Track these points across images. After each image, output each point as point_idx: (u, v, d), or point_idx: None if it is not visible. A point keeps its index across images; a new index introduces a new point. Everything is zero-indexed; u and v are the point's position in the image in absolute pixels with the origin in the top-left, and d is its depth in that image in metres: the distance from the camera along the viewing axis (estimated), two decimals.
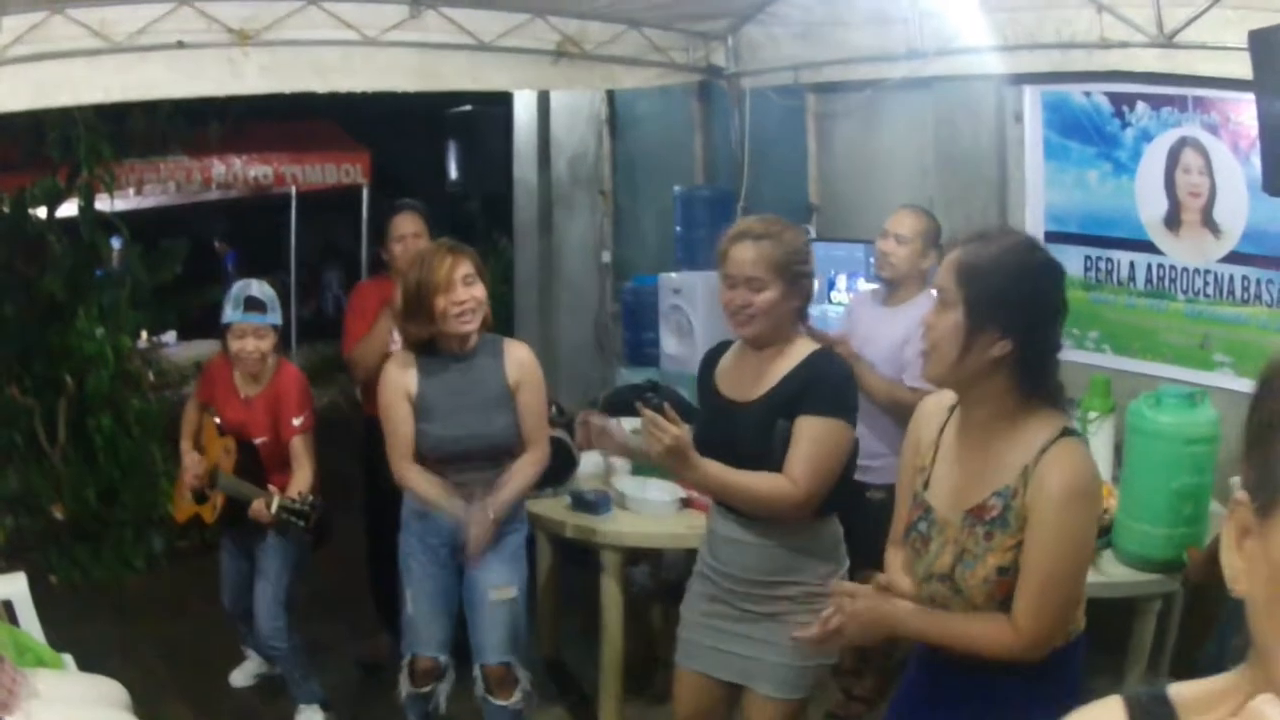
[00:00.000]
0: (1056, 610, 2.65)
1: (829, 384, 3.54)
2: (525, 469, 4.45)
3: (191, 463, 5.15)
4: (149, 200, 11.86)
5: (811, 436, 3.45)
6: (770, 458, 3.46)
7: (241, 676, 5.79)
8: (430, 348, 4.44)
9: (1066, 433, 2.66)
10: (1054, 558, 2.60)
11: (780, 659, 3.65)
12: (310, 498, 4.59)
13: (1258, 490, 1.20)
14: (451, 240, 4.54)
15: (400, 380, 4.43)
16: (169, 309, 8.60)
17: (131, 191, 10.93)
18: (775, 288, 3.50)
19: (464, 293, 4.30)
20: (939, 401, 2.96)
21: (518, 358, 4.51)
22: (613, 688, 5.18)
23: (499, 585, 4.46)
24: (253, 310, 4.94)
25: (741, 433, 3.55)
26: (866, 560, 3.53)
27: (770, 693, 3.71)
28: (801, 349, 3.62)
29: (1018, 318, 2.63)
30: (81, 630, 5.79)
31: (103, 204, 7.77)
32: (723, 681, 3.83)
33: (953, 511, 2.78)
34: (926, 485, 2.89)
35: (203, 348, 10.45)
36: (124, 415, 7.43)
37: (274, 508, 4.46)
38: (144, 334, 8.61)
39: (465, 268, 4.33)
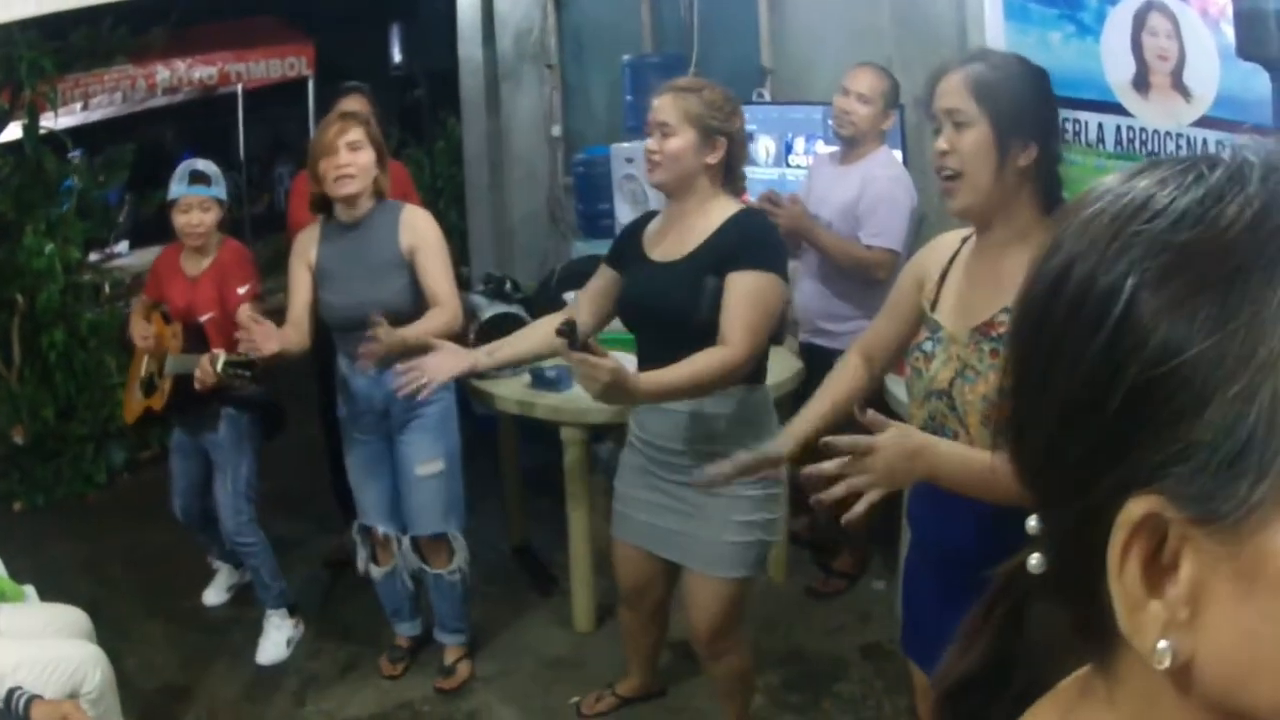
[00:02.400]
0: None
1: (757, 238, 3.49)
2: (430, 319, 4.33)
3: (141, 330, 5.11)
4: (96, 113, 11.66)
5: (744, 290, 3.38)
6: (698, 314, 3.39)
7: (214, 593, 5.70)
8: (332, 216, 4.48)
9: None
10: None
11: (715, 534, 3.61)
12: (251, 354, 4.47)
13: (1205, 484, 0.70)
14: (364, 104, 4.72)
15: (303, 248, 4.53)
16: (118, 218, 8.50)
17: (78, 107, 10.73)
18: (684, 136, 3.46)
19: (345, 157, 4.32)
20: (949, 237, 2.92)
21: (411, 223, 4.47)
22: (581, 569, 5.11)
23: (425, 460, 4.54)
24: (197, 183, 4.87)
25: (669, 291, 3.47)
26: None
27: (705, 571, 3.67)
28: (726, 208, 3.55)
29: (1039, 121, 2.64)
30: (46, 552, 5.73)
31: (49, 122, 7.57)
32: (657, 555, 3.82)
33: (960, 328, 2.73)
34: (934, 306, 2.82)
35: (154, 254, 10.34)
36: (77, 329, 7.30)
37: (219, 365, 4.33)
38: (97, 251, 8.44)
39: (352, 134, 4.35)
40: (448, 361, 3.66)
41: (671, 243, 3.58)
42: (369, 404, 4.58)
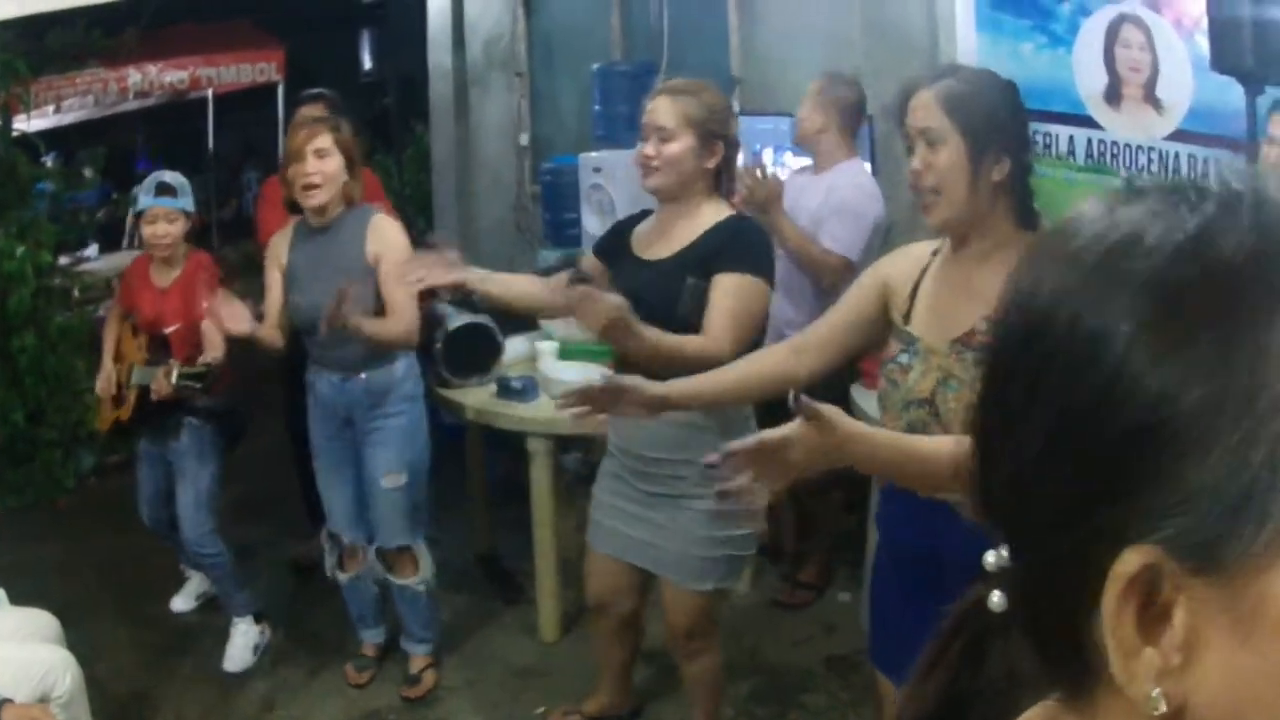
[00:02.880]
0: None
1: (747, 242, 3.50)
2: (386, 324, 4.39)
3: (106, 372, 5.08)
4: (68, 117, 11.66)
5: (729, 292, 3.39)
6: (676, 314, 3.39)
7: (183, 601, 5.69)
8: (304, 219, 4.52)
9: None
10: None
11: (684, 548, 3.64)
12: (208, 361, 4.53)
13: (1205, 533, 0.68)
14: (326, 113, 4.72)
15: (276, 250, 4.59)
16: (89, 222, 8.48)
17: (50, 110, 10.76)
18: (683, 141, 3.46)
19: (312, 165, 4.34)
20: (917, 249, 2.92)
21: (379, 230, 4.48)
22: (547, 579, 5.13)
23: (389, 471, 4.55)
24: (164, 194, 4.88)
25: (649, 289, 3.45)
26: None
27: (676, 582, 3.70)
28: (717, 212, 3.56)
29: (1010, 134, 2.67)
30: (15, 556, 5.71)
31: (22, 124, 7.58)
32: (631, 565, 3.84)
33: (938, 340, 2.73)
34: (907, 319, 2.82)
35: (126, 259, 10.32)
36: (47, 332, 7.28)
37: (173, 377, 4.40)
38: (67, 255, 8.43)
39: (320, 141, 4.36)
40: (440, 266, 3.64)
41: (660, 243, 3.59)
42: (333, 411, 4.61)
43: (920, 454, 2.56)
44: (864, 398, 4.77)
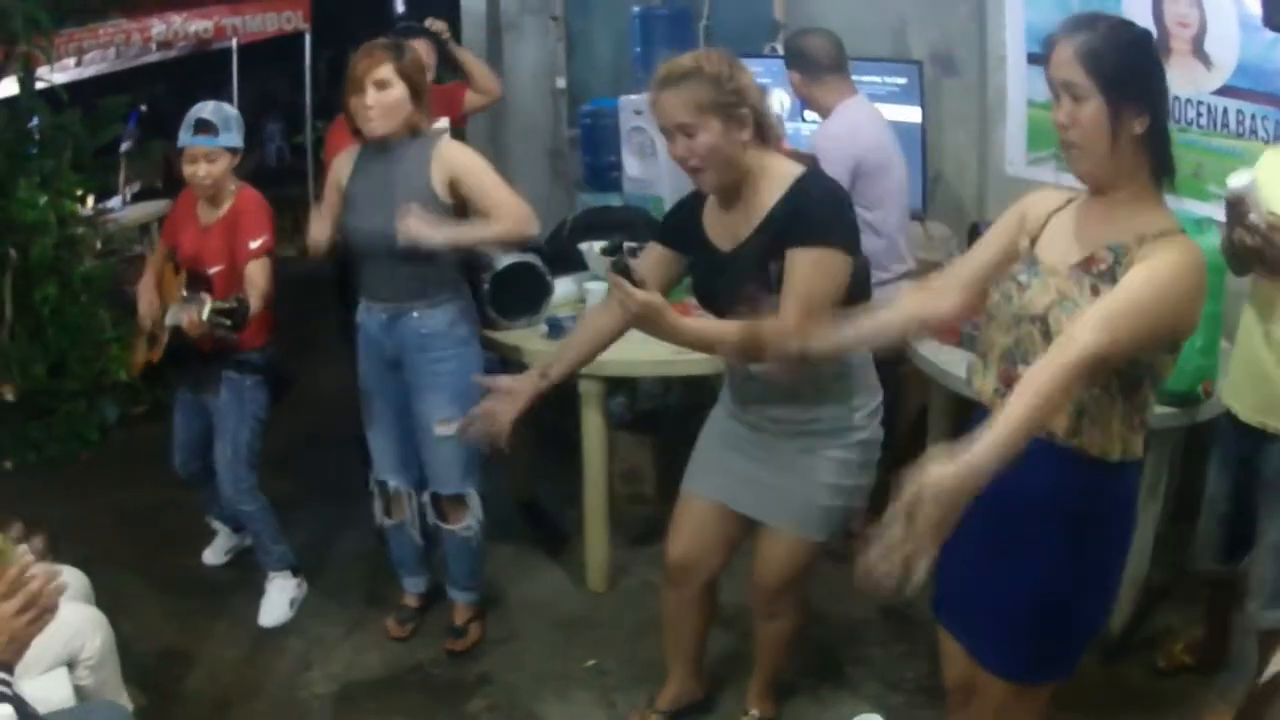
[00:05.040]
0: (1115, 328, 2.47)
1: (812, 209, 3.25)
2: (488, 227, 4.23)
3: (147, 301, 4.89)
4: (89, 69, 11.53)
5: (798, 267, 3.19)
6: (769, 304, 3.18)
7: (213, 554, 5.53)
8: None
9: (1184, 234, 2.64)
10: (1137, 294, 2.50)
11: (806, 495, 3.47)
12: (240, 297, 4.31)
13: None
14: (389, 40, 4.41)
15: (337, 171, 4.49)
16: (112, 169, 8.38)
17: (72, 62, 10.57)
18: (710, 128, 3.20)
19: (371, 96, 4.20)
20: (1054, 194, 2.91)
21: (444, 156, 4.30)
22: (597, 527, 4.98)
23: (442, 419, 4.37)
24: (202, 132, 4.63)
25: (737, 283, 3.25)
26: None
27: (786, 528, 3.53)
28: (782, 175, 3.32)
29: (1149, 87, 2.63)
30: (38, 512, 5.54)
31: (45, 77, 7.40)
32: (732, 514, 3.64)
33: (1060, 263, 2.73)
34: (1034, 244, 2.83)
35: (150, 208, 10.23)
36: (70, 283, 7.14)
37: (204, 312, 4.18)
38: (89, 200, 8.30)
39: (381, 71, 4.21)
40: (506, 402, 3.50)
41: (731, 227, 3.37)
42: (380, 352, 4.46)
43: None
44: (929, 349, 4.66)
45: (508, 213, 4.19)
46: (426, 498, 4.62)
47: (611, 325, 3.51)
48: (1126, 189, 2.67)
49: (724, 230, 3.40)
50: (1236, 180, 3.31)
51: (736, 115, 3.22)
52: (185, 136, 4.65)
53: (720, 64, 3.24)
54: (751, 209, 3.31)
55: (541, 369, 3.56)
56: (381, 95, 4.19)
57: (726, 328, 3.21)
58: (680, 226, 3.55)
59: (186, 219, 4.84)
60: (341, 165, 4.44)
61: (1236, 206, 3.33)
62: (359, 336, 4.54)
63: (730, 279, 3.31)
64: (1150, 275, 2.50)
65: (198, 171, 4.63)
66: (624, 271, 3.04)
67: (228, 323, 4.18)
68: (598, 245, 5.21)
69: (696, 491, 3.72)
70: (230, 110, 4.75)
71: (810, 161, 3.61)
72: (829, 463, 3.43)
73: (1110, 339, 2.42)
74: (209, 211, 4.76)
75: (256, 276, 4.58)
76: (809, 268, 3.18)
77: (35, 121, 7.14)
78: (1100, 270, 2.63)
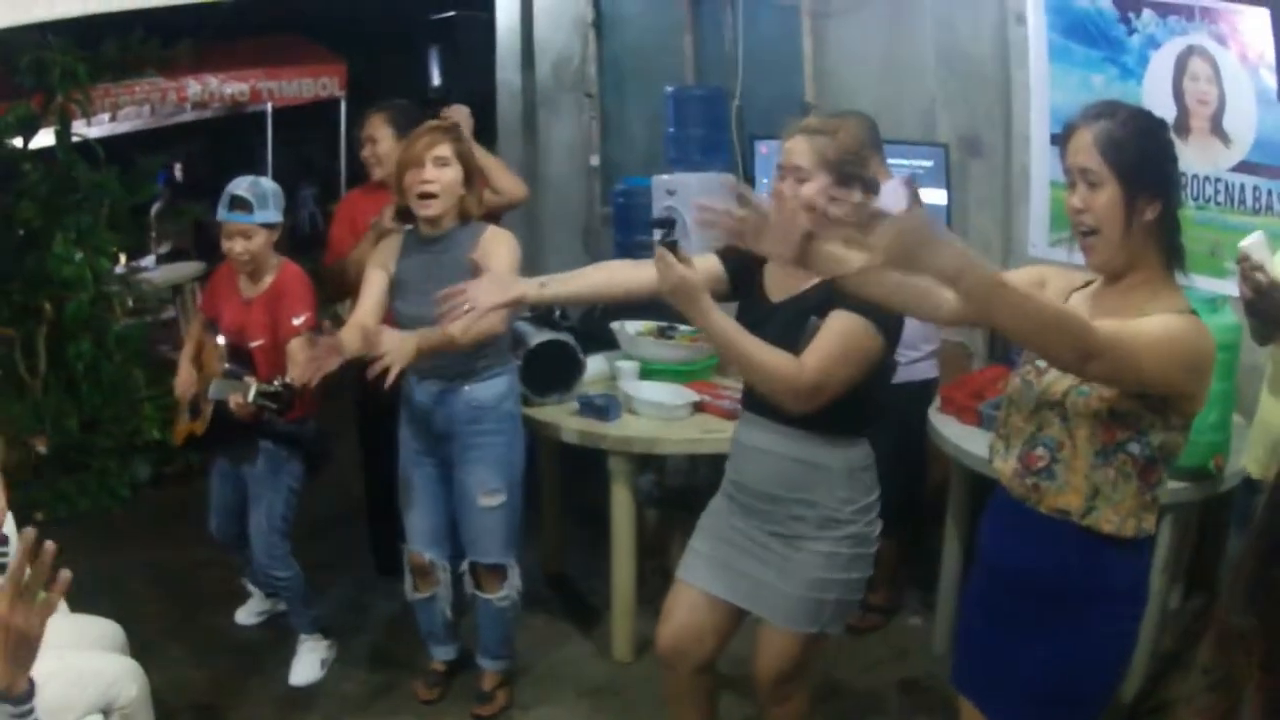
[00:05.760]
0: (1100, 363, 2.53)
1: None
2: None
3: (184, 375, 4.94)
4: (124, 125, 11.63)
5: (833, 328, 3.26)
6: (798, 353, 3.25)
7: (245, 614, 5.58)
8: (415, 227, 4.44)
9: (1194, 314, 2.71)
10: (1140, 344, 2.56)
11: (797, 589, 3.48)
12: (285, 379, 4.29)
13: None
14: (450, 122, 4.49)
15: (384, 254, 4.49)
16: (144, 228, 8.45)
17: (107, 117, 10.67)
18: (818, 181, 3.33)
19: (431, 172, 4.27)
20: (1075, 273, 2.95)
21: (487, 244, 4.34)
22: (623, 599, 5.05)
23: (488, 490, 4.44)
24: (237, 209, 4.66)
25: (770, 330, 3.33)
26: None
27: (779, 624, 3.55)
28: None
29: (1163, 175, 2.71)
30: (69, 565, 5.61)
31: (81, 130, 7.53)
32: (724, 604, 3.65)
33: None
34: None
35: (183, 270, 10.30)
36: (104, 339, 7.24)
37: (251, 395, 4.23)
38: (122, 258, 8.40)
39: (441, 149, 4.29)
40: (494, 288, 3.45)
41: (788, 280, 3.45)
42: (428, 424, 4.48)
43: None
44: (942, 423, 4.76)
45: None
46: (465, 567, 4.64)
47: (632, 280, 3.48)
48: (1140, 274, 2.73)
49: (780, 283, 3.48)
50: (1247, 240, 3.47)
51: (849, 184, 3.37)
52: (222, 212, 4.69)
53: (855, 138, 3.48)
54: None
55: (542, 280, 3.55)
56: (440, 172, 4.26)
57: (747, 337, 3.23)
58: (743, 264, 3.55)
59: (228, 291, 4.87)
60: (387, 252, 4.48)
61: (1243, 264, 3.46)
62: (403, 408, 4.56)
63: (771, 329, 3.35)
64: (1145, 322, 2.58)
65: (234, 248, 4.68)
66: (673, 248, 3.09)
67: (274, 405, 4.24)
68: (629, 325, 5.32)
69: (689, 580, 3.72)
70: (268, 185, 4.76)
71: None
72: (816, 556, 3.44)
73: (1110, 341, 2.49)
74: (250, 286, 4.81)
75: (297, 353, 4.54)
76: (845, 333, 3.25)
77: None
78: None
